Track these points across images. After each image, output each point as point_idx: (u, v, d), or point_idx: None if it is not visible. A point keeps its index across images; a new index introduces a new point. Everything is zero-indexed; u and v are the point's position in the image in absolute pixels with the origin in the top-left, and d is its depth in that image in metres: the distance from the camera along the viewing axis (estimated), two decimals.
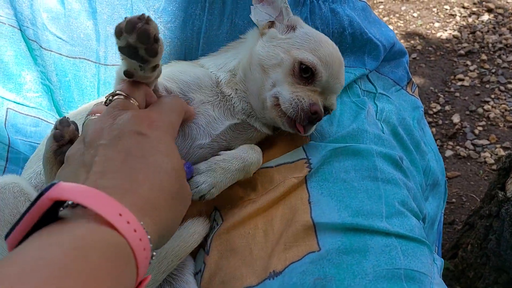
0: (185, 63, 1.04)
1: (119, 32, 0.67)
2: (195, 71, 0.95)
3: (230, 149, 0.99)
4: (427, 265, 0.87)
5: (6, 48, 1.10)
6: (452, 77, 3.20)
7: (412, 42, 3.53)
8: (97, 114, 0.72)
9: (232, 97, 0.97)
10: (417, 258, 0.86)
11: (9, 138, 1.07)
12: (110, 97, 0.72)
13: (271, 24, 1.01)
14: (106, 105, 0.71)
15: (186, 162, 0.88)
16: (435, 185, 1.31)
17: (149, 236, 0.55)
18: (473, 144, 2.70)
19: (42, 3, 1.06)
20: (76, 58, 1.07)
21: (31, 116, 1.10)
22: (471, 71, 3.22)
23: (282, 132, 1.00)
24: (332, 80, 0.97)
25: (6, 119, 1.09)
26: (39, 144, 1.03)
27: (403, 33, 3.63)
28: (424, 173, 1.27)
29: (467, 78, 3.16)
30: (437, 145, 2.72)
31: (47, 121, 1.11)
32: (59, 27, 1.06)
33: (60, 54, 1.06)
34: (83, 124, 0.71)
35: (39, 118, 1.10)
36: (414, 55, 3.38)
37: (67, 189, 0.50)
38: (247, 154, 0.95)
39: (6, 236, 0.50)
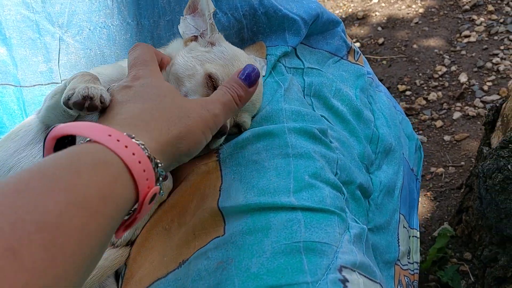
0: (107, 65, 1.07)
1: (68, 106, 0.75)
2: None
3: None
4: (333, 234, 0.84)
5: None
6: (457, 35, 3.04)
7: (414, 6, 3.39)
8: None
9: None
10: (321, 229, 0.84)
11: None
12: None
13: (195, 38, 1.04)
14: None
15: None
16: (389, 152, 1.26)
17: (144, 147, 0.58)
18: (483, 102, 2.56)
19: None
20: None
21: None
22: (477, 25, 3.05)
23: None
24: None
25: None
26: None
27: None
28: (371, 141, 1.23)
29: (473, 33, 3.00)
30: (444, 108, 2.60)
31: None
32: None
33: None
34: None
35: None
36: (416, 20, 3.25)
37: (63, 126, 0.58)
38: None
39: None
